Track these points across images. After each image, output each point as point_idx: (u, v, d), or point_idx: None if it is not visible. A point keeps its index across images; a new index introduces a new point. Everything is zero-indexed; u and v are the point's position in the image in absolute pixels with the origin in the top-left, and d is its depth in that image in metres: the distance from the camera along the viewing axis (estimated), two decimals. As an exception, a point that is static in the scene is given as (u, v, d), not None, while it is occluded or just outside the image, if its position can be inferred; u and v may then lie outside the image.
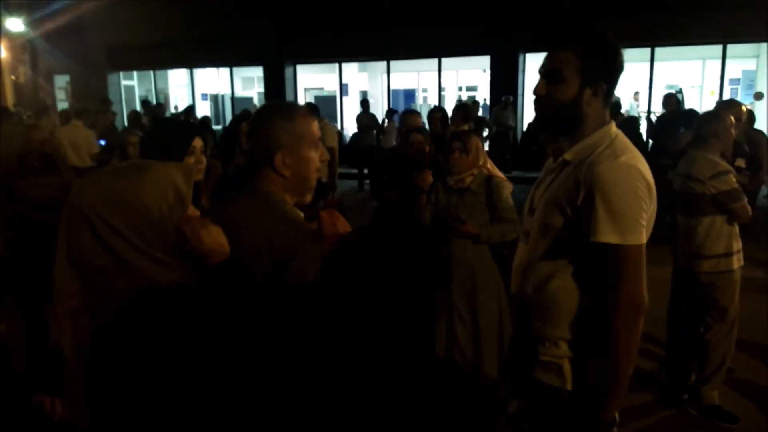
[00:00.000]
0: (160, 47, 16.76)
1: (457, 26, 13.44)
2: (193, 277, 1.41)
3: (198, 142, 2.46)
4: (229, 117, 17.04)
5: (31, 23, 17.76)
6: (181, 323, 1.30)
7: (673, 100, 8.84)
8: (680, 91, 14.30)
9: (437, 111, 6.23)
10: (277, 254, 1.60)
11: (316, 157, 1.76)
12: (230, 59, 17.24)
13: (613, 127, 1.79)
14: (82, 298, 1.32)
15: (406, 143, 4.03)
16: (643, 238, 1.65)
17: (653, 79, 13.43)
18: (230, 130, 5.62)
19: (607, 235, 1.62)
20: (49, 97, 18.55)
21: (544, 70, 1.80)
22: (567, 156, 1.79)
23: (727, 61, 12.96)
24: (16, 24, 17.81)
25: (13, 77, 20.46)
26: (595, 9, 12.01)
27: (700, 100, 15.31)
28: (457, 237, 3.35)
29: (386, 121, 12.08)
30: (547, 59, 1.79)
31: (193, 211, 1.41)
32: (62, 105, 18.11)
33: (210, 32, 15.66)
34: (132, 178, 1.35)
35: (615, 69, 1.76)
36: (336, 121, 16.52)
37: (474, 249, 3.37)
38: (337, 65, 16.64)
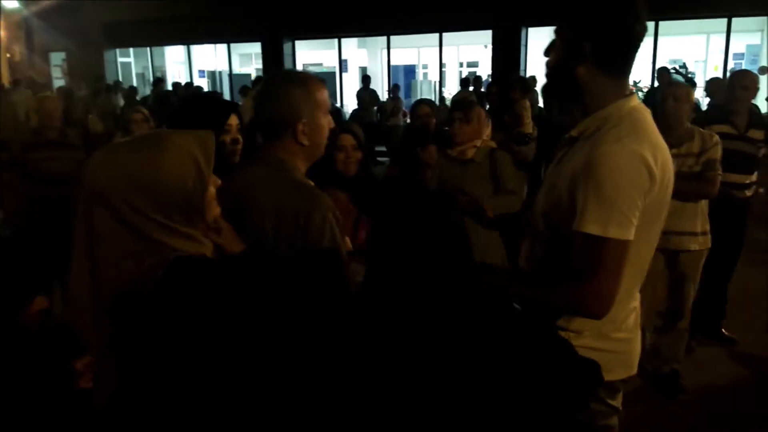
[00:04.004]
0: (157, 23, 16.56)
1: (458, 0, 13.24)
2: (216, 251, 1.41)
3: (234, 120, 2.30)
4: (227, 94, 16.90)
5: (27, 0, 17.50)
6: (211, 293, 1.26)
7: (665, 77, 8.65)
8: (684, 66, 14.18)
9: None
10: (288, 222, 1.62)
11: (327, 124, 1.81)
12: (228, 35, 17.03)
13: (630, 102, 1.60)
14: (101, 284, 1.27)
15: (414, 117, 3.96)
16: (629, 234, 1.46)
17: (656, 54, 13.27)
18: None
19: (589, 225, 1.45)
20: (44, 75, 18.35)
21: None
22: (573, 132, 1.66)
23: (732, 36, 12.80)
24: (10, 1, 17.56)
25: (8, 55, 20.25)
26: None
27: (704, 75, 15.15)
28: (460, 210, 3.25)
29: (390, 97, 11.95)
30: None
31: (214, 180, 1.38)
32: (59, 82, 17.96)
33: (207, 8, 15.46)
34: (149, 154, 1.28)
35: (608, 28, 1.53)
36: (335, 98, 16.40)
37: (482, 234, 3.12)
38: (336, 41, 16.44)
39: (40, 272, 1.59)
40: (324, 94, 1.79)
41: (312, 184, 1.80)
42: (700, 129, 3.45)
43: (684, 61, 14.45)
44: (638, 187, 1.46)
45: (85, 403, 1.44)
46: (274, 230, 1.64)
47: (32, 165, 3.93)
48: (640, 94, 10.69)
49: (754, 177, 4.04)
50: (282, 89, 1.75)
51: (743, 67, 14.10)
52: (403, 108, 12.28)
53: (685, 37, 15.03)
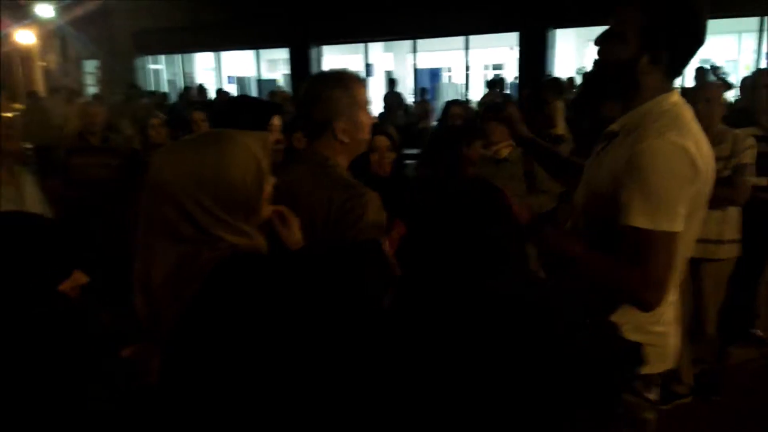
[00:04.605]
0: (186, 31, 16.82)
1: (483, 2, 13.21)
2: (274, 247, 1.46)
3: (277, 120, 2.40)
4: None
5: (60, 9, 17.93)
6: (264, 293, 1.29)
7: (701, 75, 8.40)
8: (718, 66, 13.92)
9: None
10: (335, 216, 1.70)
11: (368, 121, 1.89)
12: (255, 42, 17.22)
13: (671, 97, 1.61)
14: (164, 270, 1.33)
15: (445, 118, 3.97)
16: (678, 226, 1.48)
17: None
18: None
19: (637, 218, 1.47)
20: (78, 83, 18.77)
21: (605, 31, 1.65)
22: (614, 126, 1.67)
23: (764, 35, 12.56)
24: (45, 10, 18.00)
25: (44, 63, 20.77)
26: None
27: (737, 75, 14.87)
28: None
29: (418, 101, 11.91)
30: (610, 18, 1.62)
31: (271, 179, 1.44)
32: (91, 90, 18.35)
33: (235, 15, 15.67)
34: (211, 151, 1.34)
35: (687, 36, 1.53)
36: (362, 102, 16.44)
37: None
38: (362, 45, 16.53)
39: (79, 250, 1.64)
40: (363, 92, 1.86)
41: (356, 181, 1.85)
42: (735, 131, 3.29)
43: (714, 61, 14.21)
44: (683, 178, 1.48)
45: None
46: (323, 223, 1.70)
47: (76, 170, 4.05)
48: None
49: None
50: (322, 90, 1.82)
51: (776, 67, 13.83)
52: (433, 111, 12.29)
53: (716, 37, 14.76)
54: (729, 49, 15.21)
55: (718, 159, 3.15)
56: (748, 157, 3.18)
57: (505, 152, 3.40)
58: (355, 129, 1.83)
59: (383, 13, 14.41)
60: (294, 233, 1.61)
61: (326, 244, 1.70)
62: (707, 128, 3.13)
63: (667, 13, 1.52)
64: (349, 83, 1.82)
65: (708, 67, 11.86)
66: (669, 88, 1.63)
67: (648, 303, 1.54)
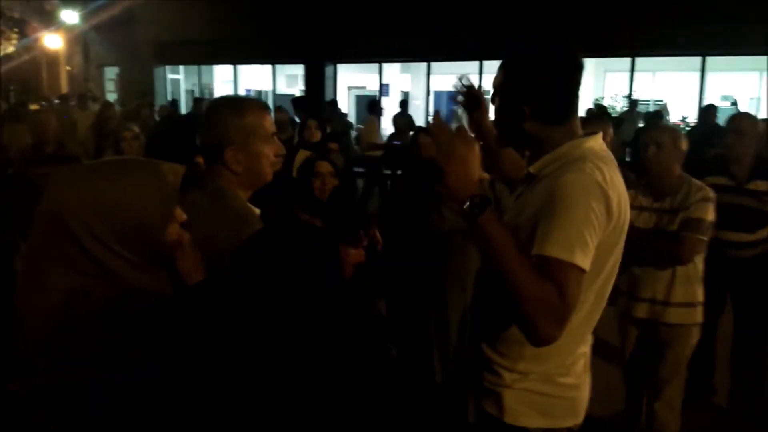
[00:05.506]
0: (206, 43, 17.06)
1: (496, 29, 13.14)
2: (170, 283, 1.35)
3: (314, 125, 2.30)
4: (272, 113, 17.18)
5: (85, 15, 18.33)
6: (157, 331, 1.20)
7: (711, 113, 8.04)
8: (735, 103, 13.66)
9: None
10: (218, 252, 1.52)
11: (269, 152, 1.75)
12: (273, 57, 17.38)
13: (586, 143, 1.57)
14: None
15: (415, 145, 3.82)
16: (584, 262, 1.40)
17: (704, 89, 12.84)
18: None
19: (547, 247, 1.40)
20: (98, 88, 19.11)
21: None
22: (531, 169, 1.62)
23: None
24: (71, 16, 18.41)
25: (68, 68, 21.24)
26: (643, 16, 11.56)
27: (757, 112, 14.58)
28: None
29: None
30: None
31: (179, 214, 1.33)
32: (111, 96, 18.66)
33: (254, 29, 15.85)
34: (114, 178, 1.23)
35: (544, 88, 1.55)
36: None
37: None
38: (377, 65, 16.56)
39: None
40: (262, 121, 1.72)
41: (253, 212, 1.74)
42: (693, 181, 2.93)
43: (735, 98, 13.96)
44: (600, 216, 1.43)
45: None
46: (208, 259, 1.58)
47: (39, 180, 4.00)
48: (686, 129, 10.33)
49: (761, 234, 3.45)
50: (215, 116, 1.71)
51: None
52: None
53: (737, 74, 14.51)
54: (750, 86, 14.93)
55: (665, 211, 2.90)
56: (700, 211, 2.80)
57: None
58: (249, 159, 1.70)
59: (399, 34, 14.44)
60: (189, 265, 1.50)
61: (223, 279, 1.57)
62: (660, 176, 2.91)
63: (526, 85, 1.57)
64: (246, 111, 1.70)
65: (730, 103, 11.65)
66: (578, 131, 1.61)
67: (544, 336, 1.37)
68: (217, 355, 1.20)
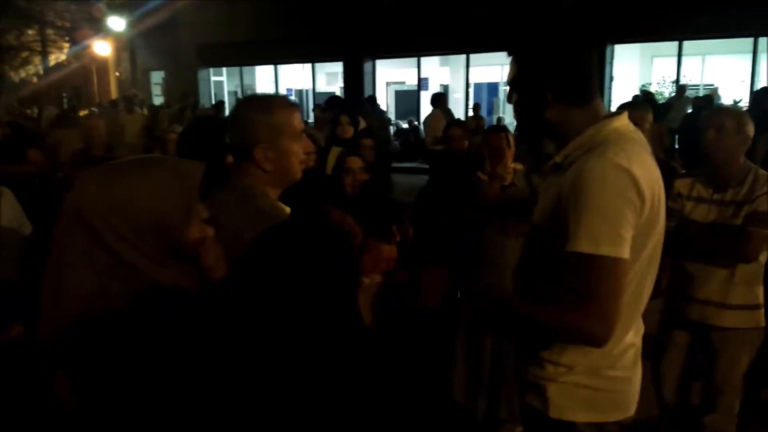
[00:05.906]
0: (247, 44, 17.34)
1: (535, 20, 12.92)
2: (193, 279, 1.36)
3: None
4: (310, 111, 17.38)
5: (131, 22, 18.84)
6: (176, 328, 1.22)
7: (765, 97, 7.55)
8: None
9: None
10: (246, 250, 1.53)
11: (298, 149, 1.74)
12: (312, 55, 17.54)
13: (610, 124, 1.53)
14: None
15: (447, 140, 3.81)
16: (623, 252, 1.37)
17: (756, 72, 12.33)
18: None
19: (578, 243, 1.38)
20: (144, 93, 19.62)
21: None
22: (557, 158, 1.60)
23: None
24: (118, 23, 18.95)
25: (117, 73, 21.88)
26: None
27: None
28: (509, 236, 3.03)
29: (471, 116, 11.74)
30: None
31: (201, 210, 1.33)
32: (158, 100, 19.15)
33: (293, 29, 16.02)
34: (133, 175, 1.26)
35: (563, 72, 1.55)
36: (415, 116, 16.41)
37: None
38: (415, 60, 16.51)
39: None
40: (290, 119, 1.71)
41: (283, 210, 1.74)
42: (760, 170, 2.66)
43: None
44: (627, 201, 1.39)
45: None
46: (232, 257, 1.59)
47: None
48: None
49: None
50: (243, 115, 1.72)
51: None
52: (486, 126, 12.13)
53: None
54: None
55: (727, 204, 2.65)
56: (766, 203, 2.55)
57: (509, 177, 3.20)
58: (278, 157, 1.69)
59: (437, 27, 14.35)
60: (212, 262, 1.52)
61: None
62: (721, 164, 2.66)
63: (546, 70, 1.56)
64: (274, 108, 1.69)
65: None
66: (600, 113, 1.58)
67: (597, 338, 1.39)
68: (222, 356, 1.21)
